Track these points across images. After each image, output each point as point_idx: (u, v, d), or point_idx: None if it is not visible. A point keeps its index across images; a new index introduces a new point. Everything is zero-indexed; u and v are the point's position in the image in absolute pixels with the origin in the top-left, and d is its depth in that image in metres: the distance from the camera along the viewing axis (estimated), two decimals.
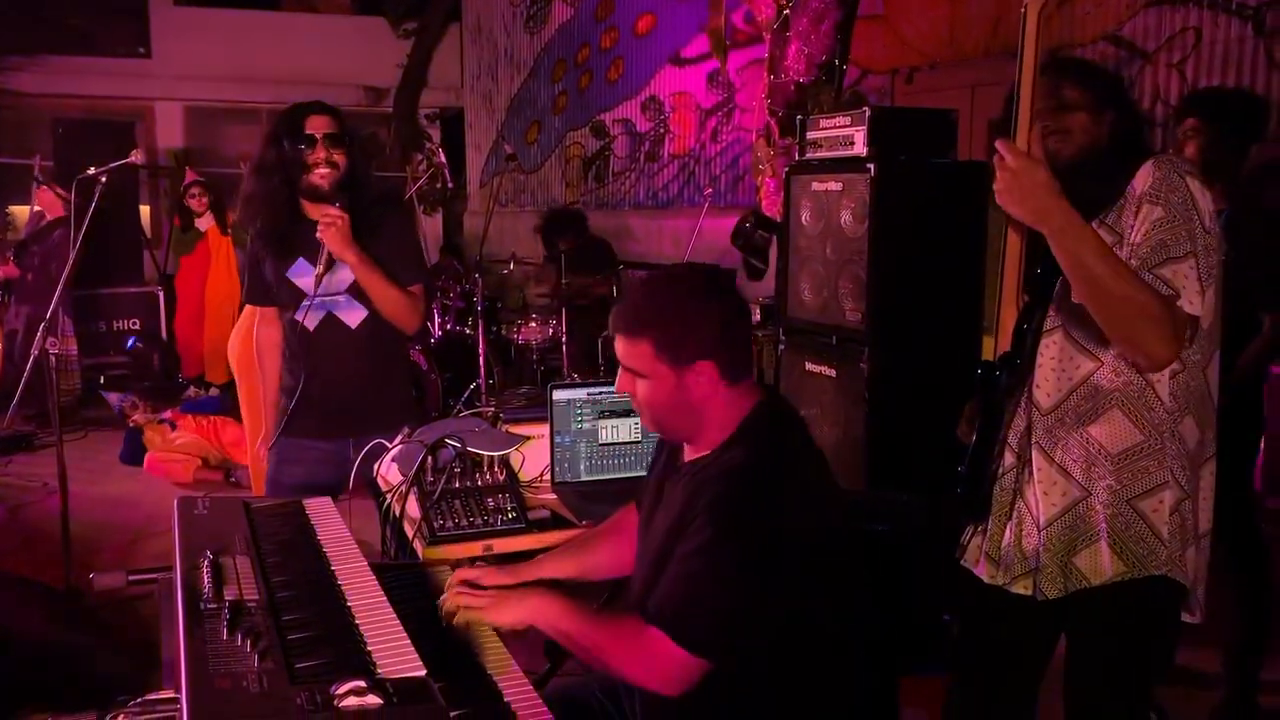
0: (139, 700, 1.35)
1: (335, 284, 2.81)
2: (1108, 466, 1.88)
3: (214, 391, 7.87)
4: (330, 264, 2.75)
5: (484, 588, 1.85)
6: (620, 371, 1.80)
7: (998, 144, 1.83)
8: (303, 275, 2.82)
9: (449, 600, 1.81)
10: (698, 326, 1.71)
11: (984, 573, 2.05)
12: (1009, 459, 2.00)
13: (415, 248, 3.02)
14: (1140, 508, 1.86)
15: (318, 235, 2.70)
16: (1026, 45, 1.86)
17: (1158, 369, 1.83)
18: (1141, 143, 1.96)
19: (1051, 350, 1.94)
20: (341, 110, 2.86)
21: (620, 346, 1.77)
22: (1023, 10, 1.85)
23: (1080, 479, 1.90)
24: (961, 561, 2.11)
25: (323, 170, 2.76)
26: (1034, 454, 1.95)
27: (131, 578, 1.89)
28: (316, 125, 2.77)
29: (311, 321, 2.81)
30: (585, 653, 1.73)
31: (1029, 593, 1.96)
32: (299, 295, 2.82)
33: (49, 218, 7.33)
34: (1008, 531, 2.00)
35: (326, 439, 2.87)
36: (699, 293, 1.74)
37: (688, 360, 1.71)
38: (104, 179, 3.95)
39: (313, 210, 2.82)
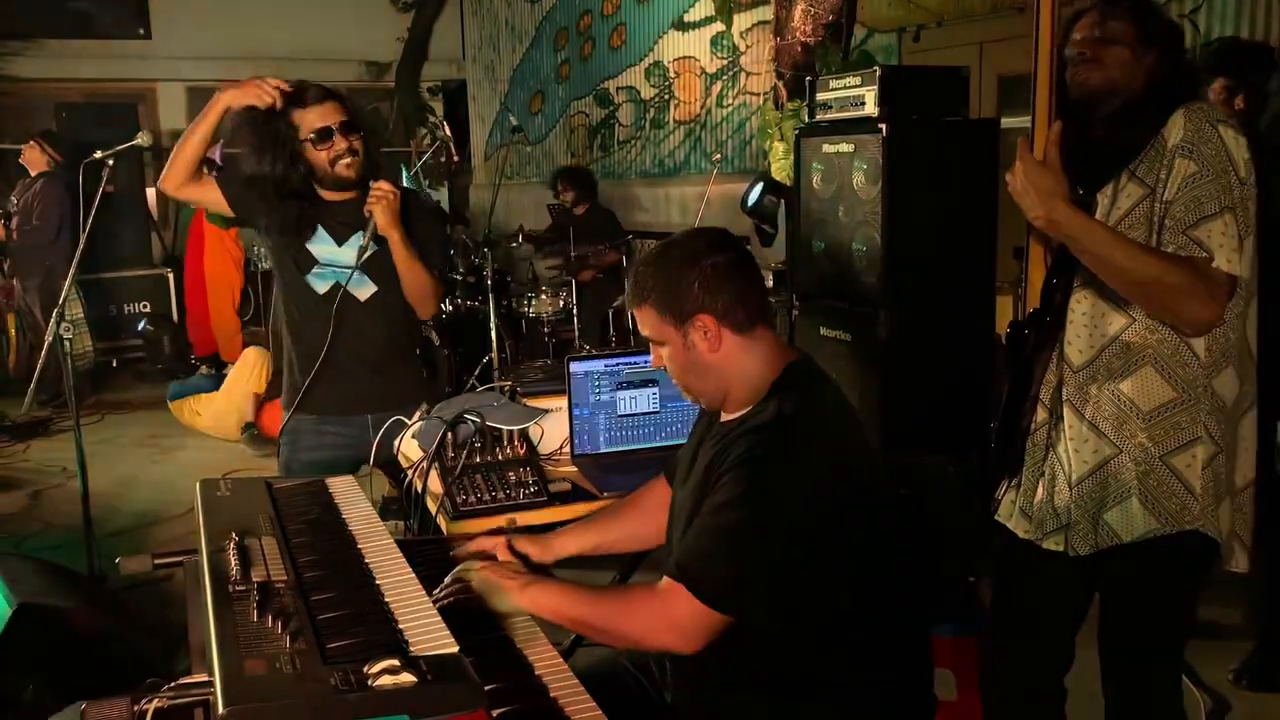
0: (172, 684, 1.35)
1: (350, 257, 2.80)
2: (1139, 424, 1.86)
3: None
4: (375, 238, 2.72)
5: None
6: (651, 346, 1.84)
7: (1019, 143, 1.83)
8: (320, 244, 2.81)
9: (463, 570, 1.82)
10: (690, 282, 1.73)
11: (1018, 528, 2.05)
12: (1041, 415, 2.00)
13: (442, 233, 3.03)
14: (1173, 464, 1.85)
15: (366, 209, 2.68)
16: (1041, 31, 1.85)
17: (1201, 333, 1.82)
18: (1178, 91, 1.88)
19: (1082, 306, 1.93)
20: (341, 91, 2.83)
21: (636, 319, 1.81)
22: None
23: (1112, 436, 1.89)
24: (995, 516, 2.11)
25: (346, 160, 2.73)
26: (1065, 411, 1.95)
27: (158, 561, 1.89)
28: (329, 116, 2.72)
29: (320, 289, 2.81)
30: (594, 630, 1.73)
31: (1061, 549, 1.96)
32: (312, 262, 2.82)
33: (31, 174, 7.32)
34: (1040, 487, 2.00)
35: (341, 418, 2.86)
36: (690, 251, 1.77)
37: (686, 316, 1.73)
38: (111, 162, 3.94)
39: (330, 194, 2.80)
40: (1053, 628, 2.11)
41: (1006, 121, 3.90)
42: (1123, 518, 1.88)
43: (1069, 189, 1.80)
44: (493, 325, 6.00)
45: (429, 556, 1.93)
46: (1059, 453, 1.97)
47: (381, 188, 2.68)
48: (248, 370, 6.26)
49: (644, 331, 1.81)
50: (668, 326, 1.75)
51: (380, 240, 2.74)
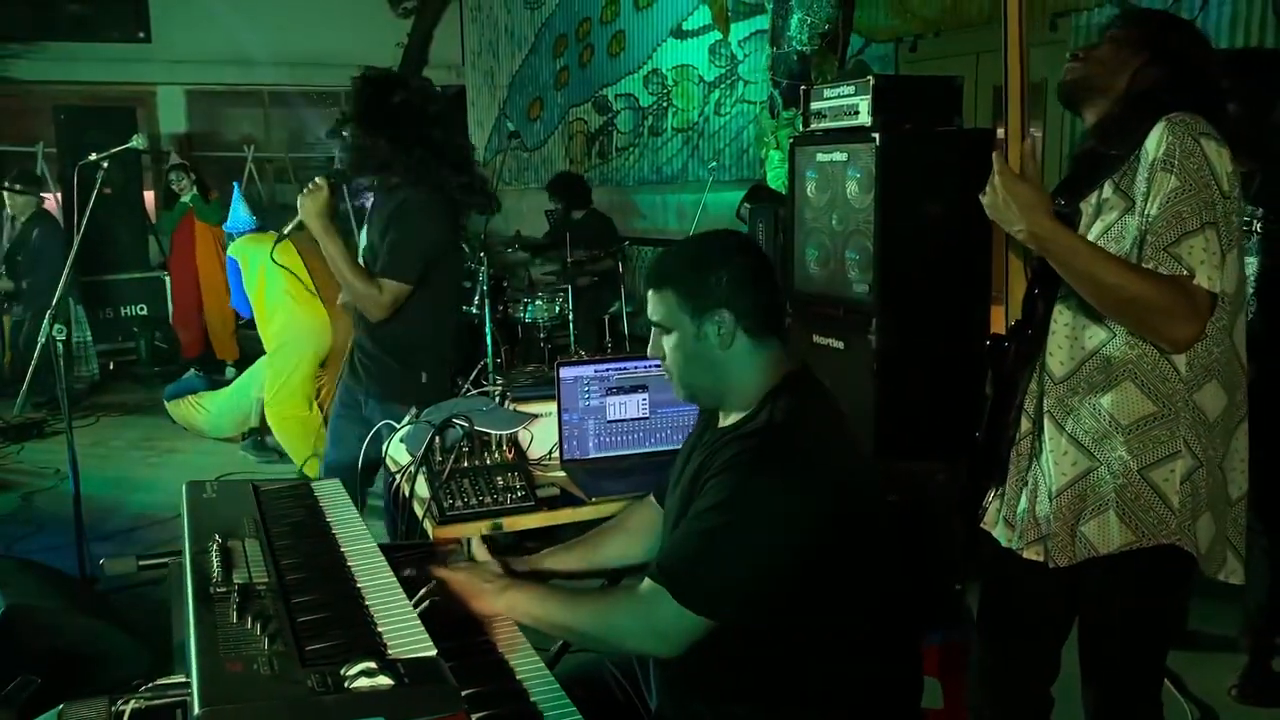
0: (150, 685, 1.35)
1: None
2: (1119, 438, 1.85)
3: (230, 373, 7.87)
4: (298, 226, 2.99)
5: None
6: (652, 332, 1.84)
7: (994, 157, 1.82)
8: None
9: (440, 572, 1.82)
10: (718, 276, 1.74)
11: (1001, 536, 2.05)
12: (1025, 425, 2.00)
13: (401, 248, 2.99)
14: (1151, 477, 1.84)
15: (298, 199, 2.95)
16: (1010, 42, 1.85)
17: (1181, 351, 1.81)
18: (1164, 100, 1.85)
19: (1064, 318, 1.92)
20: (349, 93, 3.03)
21: (650, 301, 1.82)
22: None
23: (1091, 449, 1.89)
24: (981, 524, 2.10)
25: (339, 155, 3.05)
26: (1046, 423, 1.94)
27: (142, 563, 1.89)
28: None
29: None
30: (574, 634, 1.74)
31: (1041, 559, 1.96)
32: None
33: (21, 220, 7.27)
34: (1023, 497, 2.00)
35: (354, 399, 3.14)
36: (721, 247, 1.79)
37: (707, 308, 1.74)
38: (105, 165, 3.94)
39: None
40: (1036, 637, 2.11)
41: (1001, 131, 3.90)
42: (1100, 530, 1.87)
43: (1051, 201, 1.80)
44: (488, 330, 6.00)
45: (413, 561, 1.92)
46: (1040, 464, 1.96)
47: (314, 182, 2.91)
48: (262, 376, 6.24)
49: (654, 316, 1.81)
50: (683, 314, 1.76)
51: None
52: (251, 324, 8.44)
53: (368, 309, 2.98)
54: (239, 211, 5.66)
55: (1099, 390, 1.87)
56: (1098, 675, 1.99)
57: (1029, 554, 1.98)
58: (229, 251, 5.37)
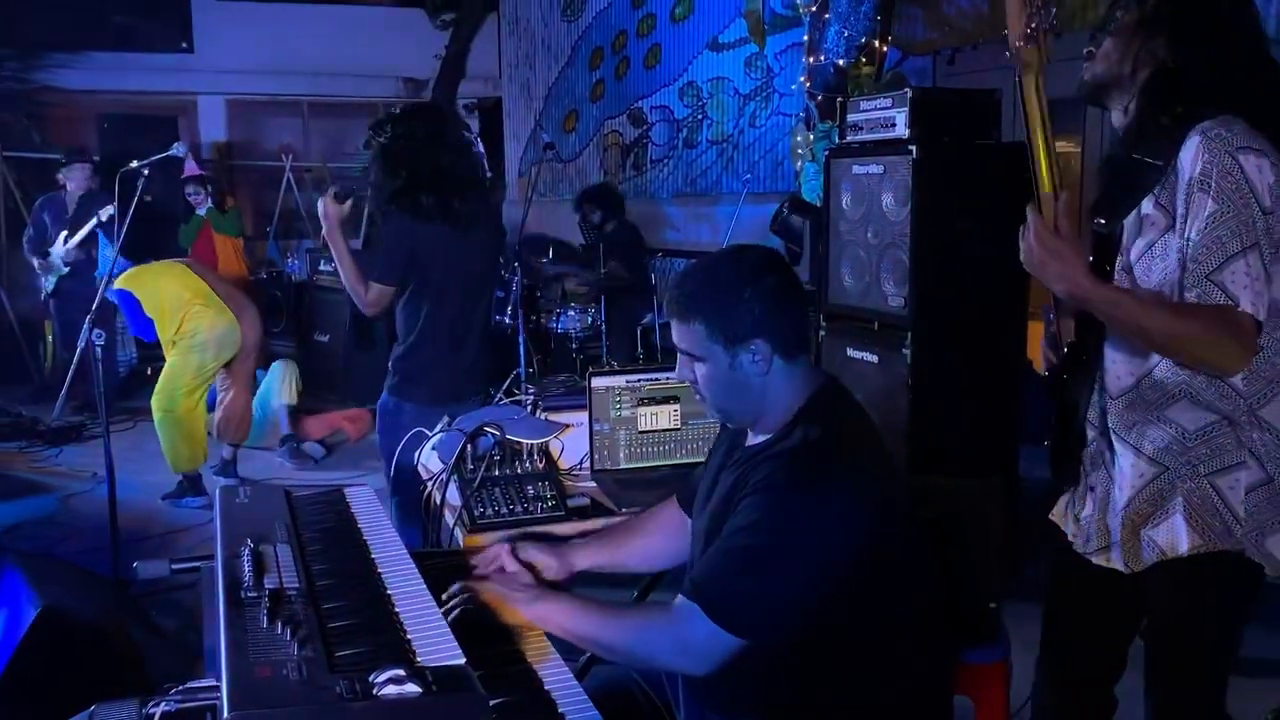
0: (180, 688, 1.35)
1: None
2: (1184, 444, 1.84)
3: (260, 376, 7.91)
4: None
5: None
6: (679, 357, 1.80)
7: (1028, 210, 1.78)
8: None
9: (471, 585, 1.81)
10: (749, 305, 1.69)
11: (1068, 530, 2.05)
12: (1090, 433, 1.99)
13: (379, 254, 3.30)
14: (1216, 483, 1.83)
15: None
16: (1031, 120, 1.82)
17: (1232, 376, 1.78)
18: (1190, 92, 1.78)
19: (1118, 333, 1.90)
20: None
21: (675, 331, 1.77)
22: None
23: (1158, 458, 1.87)
24: (1050, 515, 2.10)
25: None
26: (1112, 437, 1.93)
27: (175, 566, 1.90)
28: None
29: None
30: (604, 648, 1.72)
31: (1109, 565, 1.95)
32: None
33: (79, 193, 7.20)
34: (1089, 503, 1.99)
35: None
36: (748, 271, 1.73)
37: (741, 339, 1.70)
38: (146, 172, 4.00)
39: None
40: (1102, 637, 2.09)
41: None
42: (1168, 535, 1.86)
43: (1091, 219, 1.78)
44: (521, 340, 6.01)
45: (443, 569, 1.92)
46: (1110, 473, 1.95)
47: (333, 197, 3.23)
48: (277, 382, 6.31)
49: (682, 345, 1.77)
50: (715, 345, 1.72)
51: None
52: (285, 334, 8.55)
53: (358, 304, 3.28)
54: (108, 256, 5.62)
55: (1158, 406, 1.86)
56: (1161, 679, 1.97)
57: (1098, 560, 1.98)
58: (117, 284, 5.07)
